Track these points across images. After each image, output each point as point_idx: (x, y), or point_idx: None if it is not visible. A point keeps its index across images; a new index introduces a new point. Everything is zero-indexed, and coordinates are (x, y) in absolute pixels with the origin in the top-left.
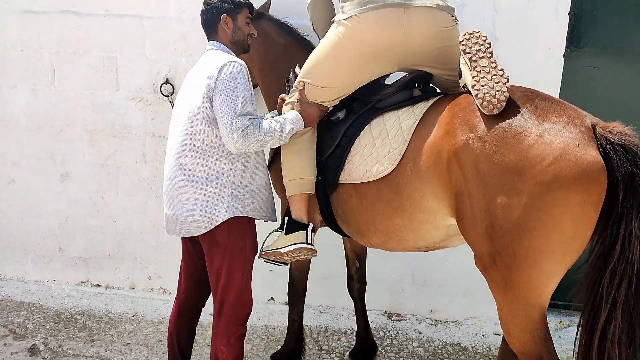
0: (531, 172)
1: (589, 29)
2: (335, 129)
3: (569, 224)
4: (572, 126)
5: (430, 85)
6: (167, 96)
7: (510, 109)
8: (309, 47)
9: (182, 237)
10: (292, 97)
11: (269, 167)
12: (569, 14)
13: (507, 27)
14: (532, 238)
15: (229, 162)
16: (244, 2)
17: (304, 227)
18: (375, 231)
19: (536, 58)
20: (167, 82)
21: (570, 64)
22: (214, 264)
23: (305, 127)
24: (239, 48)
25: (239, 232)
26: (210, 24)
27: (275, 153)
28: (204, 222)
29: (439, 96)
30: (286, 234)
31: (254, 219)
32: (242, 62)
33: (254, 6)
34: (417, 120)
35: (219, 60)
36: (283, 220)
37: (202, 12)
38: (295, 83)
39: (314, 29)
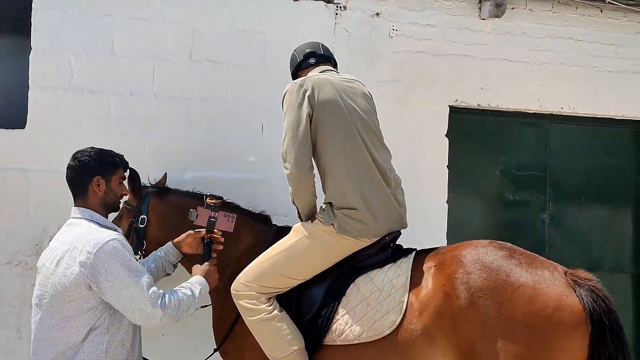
0: (539, 323)
1: (463, 179)
2: (314, 288)
3: None
4: (555, 277)
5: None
6: None
7: (500, 264)
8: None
9: None
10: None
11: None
12: (447, 166)
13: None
14: None
15: (105, 340)
16: (119, 162)
17: None
18: None
19: (423, 204)
20: None
21: (452, 208)
22: None
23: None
24: (109, 210)
25: None
26: (79, 184)
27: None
28: None
29: (412, 252)
30: None
31: None
32: (119, 236)
33: None
34: (409, 278)
35: (91, 238)
36: None
37: (70, 167)
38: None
39: (298, 213)
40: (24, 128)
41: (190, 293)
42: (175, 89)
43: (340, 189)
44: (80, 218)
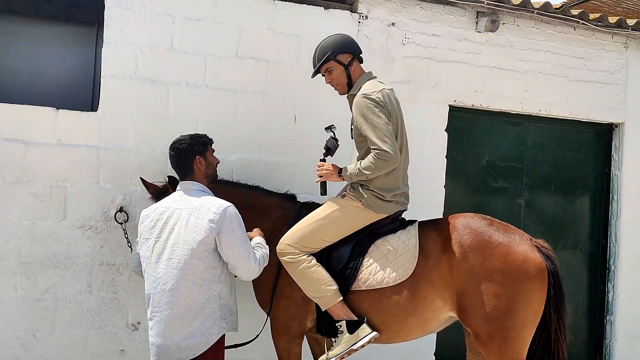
0: (511, 271)
1: (457, 168)
2: (342, 248)
3: (536, 302)
4: (523, 239)
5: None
6: (121, 223)
7: (484, 229)
8: None
9: None
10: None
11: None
12: (445, 156)
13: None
14: (517, 315)
15: (218, 288)
16: (207, 140)
17: (360, 322)
18: (387, 330)
19: (426, 187)
20: (121, 210)
21: (448, 191)
22: None
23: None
24: (211, 179)
25: (221, 347)
26: (185, 166)
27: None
28: (200, 346)
29: (414, 221)
30: (351, 333)
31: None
32: (232, 205)
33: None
34: (417, 240)
35: (213, 203)
36: (326, 327)
37: (174, 157)
38: (298, 235)
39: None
40: (96, 111)
41: (266, 251)
42: (223, 82)
43: (387, 180)
44: (194, 189)
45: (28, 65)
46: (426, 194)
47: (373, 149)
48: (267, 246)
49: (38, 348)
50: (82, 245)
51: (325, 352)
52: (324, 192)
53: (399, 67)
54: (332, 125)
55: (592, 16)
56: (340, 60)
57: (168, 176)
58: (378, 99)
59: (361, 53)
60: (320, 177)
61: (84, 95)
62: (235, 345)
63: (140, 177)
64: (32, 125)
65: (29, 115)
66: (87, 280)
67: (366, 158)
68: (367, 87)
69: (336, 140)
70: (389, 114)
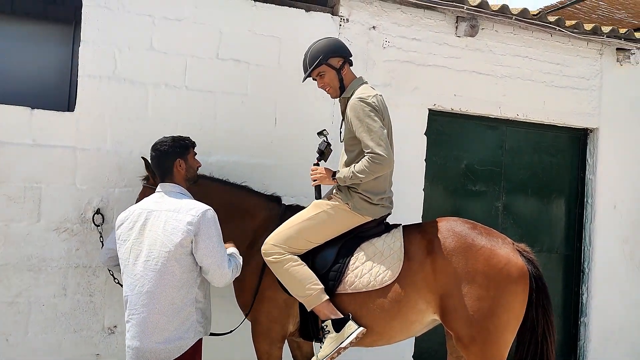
0: (494, 273)
1: (436, 171)
2: (327, 250)
3: (518, 305)
4: (506, 243)
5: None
6: (98, 225)
7: (467, 233)
8: None
9: None
10: None
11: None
12: (424, 160)
13: None
14: (499, 318)
15: (195, 292)
16: (189, 143)
17: (345, 320)
18: (371, 333)
19: (405, 190)
20: (98, 212)
21: (427, 194)
22: None
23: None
24: (191, 182)
25: (198, 351)
26: (165, 168)
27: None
28: (177, 349)
29: (398, 225)
30: (337, 332)
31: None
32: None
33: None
34: (402, 244)
35: (192, 206)
36: (313, 330)
37: (154, 158)
38: (284, 237)
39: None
40: (72, 111)
41: (240, 261)
42: (203, 83)
43: (375, 184)
44: (174, 192)
45: (2, 63)
46: (405, 197)
47: (367, 152)
48: (241, 257)
49: (11, 352)
50: (57, 248)
51: (313, 356)
52: (318, 196)
53: (379, 70)
54: (324, 129)
55: (568, 23)
56: (331, 64)
57: (142, 157)
58: (374, 104)
59: (351, 56)
60: (315, 181)
61: (60, 95)
62: (213, 334)
63: (142, 157)
64: (7, 125)
65: (3, 114)
66: (61, 283)
67: (360, 162)
68: (362, 91)
69: (329, 144)
70: (383, 119)
